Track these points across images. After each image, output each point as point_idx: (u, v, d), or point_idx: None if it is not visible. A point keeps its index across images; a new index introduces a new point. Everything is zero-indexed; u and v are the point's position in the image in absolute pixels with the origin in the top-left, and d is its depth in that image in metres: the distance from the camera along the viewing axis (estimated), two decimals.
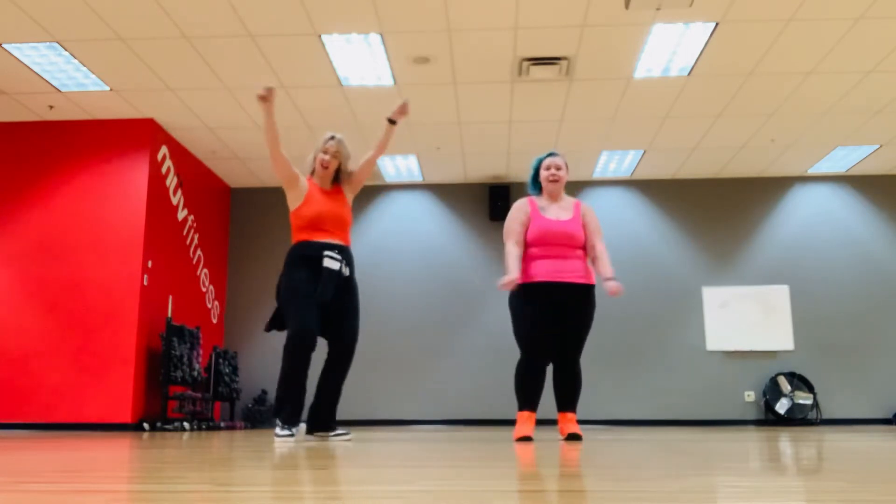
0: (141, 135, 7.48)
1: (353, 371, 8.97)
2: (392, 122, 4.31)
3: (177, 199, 8.05)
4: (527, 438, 3.95)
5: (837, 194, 9.23)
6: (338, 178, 4.29)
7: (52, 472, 1.84)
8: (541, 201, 4.34)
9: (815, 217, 9.18)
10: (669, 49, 6.15)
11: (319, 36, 5.91)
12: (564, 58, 6.28)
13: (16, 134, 7.53)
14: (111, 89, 6.83)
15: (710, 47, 6.12)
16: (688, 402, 8.82)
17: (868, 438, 4.05)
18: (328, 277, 4.06)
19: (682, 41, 6.02)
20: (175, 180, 8.00)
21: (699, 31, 5.87)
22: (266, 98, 3.95)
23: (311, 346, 4.00)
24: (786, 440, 3.85)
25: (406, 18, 5.66)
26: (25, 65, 6.31)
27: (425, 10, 5.55)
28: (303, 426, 4.31)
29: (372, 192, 9.45)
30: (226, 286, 9.37)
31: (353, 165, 4.35)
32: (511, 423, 8.70)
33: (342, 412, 8.71)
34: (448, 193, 9.43)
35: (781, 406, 8.53)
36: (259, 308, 9.27)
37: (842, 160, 8.76)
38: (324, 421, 4.18)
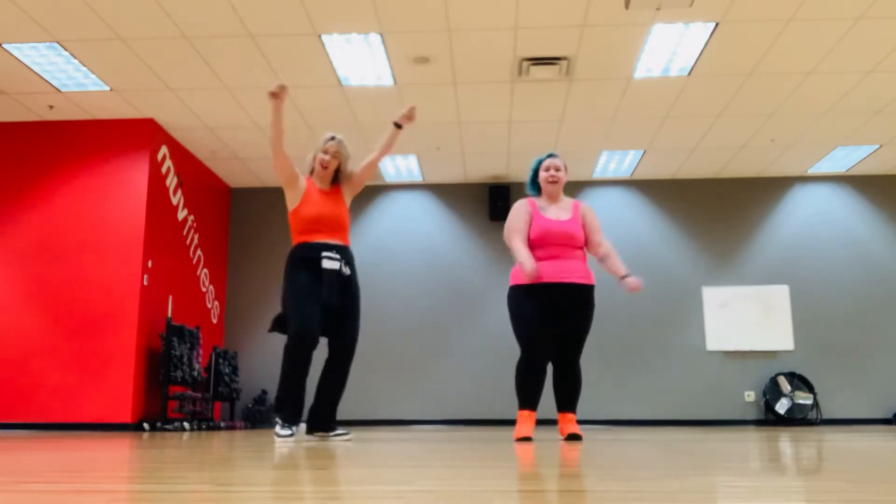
0: (141, 135, 7.48)
1: (353, 371, 8.97)
2: (398, 126, 4.32)
3: (177, 199, 8.05)
4: (527, 439, 3.95)
5: (837, 194, 9.23)
6: (337, 178, 4.30)
7: (52, 472, 1.84)
8: (540, 202, 4.35)
9: (815, 217, 9.18)
10: (669, 49, 6.15)
11: (319, 36, 5.91)
12: (564, 58, 6.28)
13: (16, 134, 7.53)
14: (111, 89, 6.83)
15: (710, 47, 6.12)
16: (688, 402, 8.82)
17: (868, 438, 4.05)
18: (329, 278, 4.06)
19: (682, 41, 6.02)
20: (175, 180, 8.00)
21: (699, 31, 5.87)
22: (278, 95, 3.95)
23: (312, 346, 4.01)
24: (786, 440, 3.85)
25: (406, 18, 5.66)
26: (25, 65, 6.31)
27: (425, 10, 5.55)
28: (303, 426, 4.31)
29: (372, 192, 9.45)
30: (226, 286, 9.37)
31: (352, 166, 4.36)
32: (511, 423, 8.70)
33: (342, 412, 8.71)
34: (448, 193, 9.43)
35: (781, 406, 8.53)
36: (259, 308, 9.27)
37: (842, 160, 8.76)
38: (324, 421, 4.18)
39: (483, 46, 6.08)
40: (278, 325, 4.16)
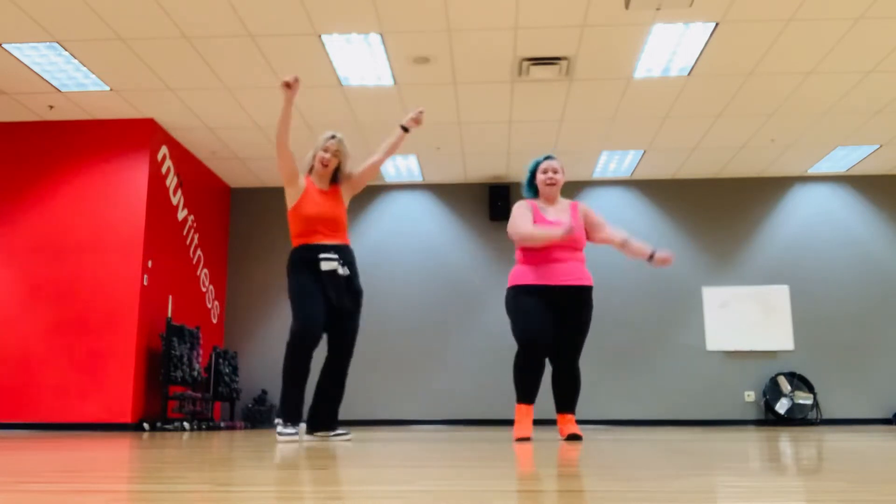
0: (141, 135, 7.48)
1: (354, 371, 8.97)
2: (405, 129, 4.32)
3: (177, 199, 8.05)
4: (526, 439, 3.95)
5: (837, 194, 9.23)
6: (336, 177, 4.30)
7: (52, 472, 1.84)
8: (539, 204, 4.35)
9: (815, 217, 9.18)
10: (669, 49, 6.15)
11: (319, 36, 5.91)
12: (564, 58, 6.28)
13: (16, 134, 7.53)
14: (111, 89, 6.83)
15: (710, 47, 6.12)
16: (688, 402, 8.82)
17: (868, 438, 4.05)
18: (330, 280, 4.07)
19: (682, 41, 6.02)
20: (175, 180, 8.00)
21: (699, 31, 5.87)
22: (291, 85, 3.95)
23: (314, 344, 4.02)
24: (786, 440, 3.85)
25: (406, 18, 5.66)
26: (25, 65, 6.31)
27: (425, 10, 5.55)
28: (303, 426, 4.31)
29: (372, 192, 9.45)
30: (226, 286, 9.37)
31: (351, 166, 4.36)
32: (511, 423, 8.70)
33: (342, 412, 8.70)
34: (448, 193, 9.43)
35: (781, 406, 8.52)
36: (259, 308, 9.27)
37: (842, 160, 8.76)
38: (325, 421, 4.18)
39: (483, 46, 6.08)
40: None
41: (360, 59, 6.29)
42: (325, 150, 4.21)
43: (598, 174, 9.21)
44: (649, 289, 9.09)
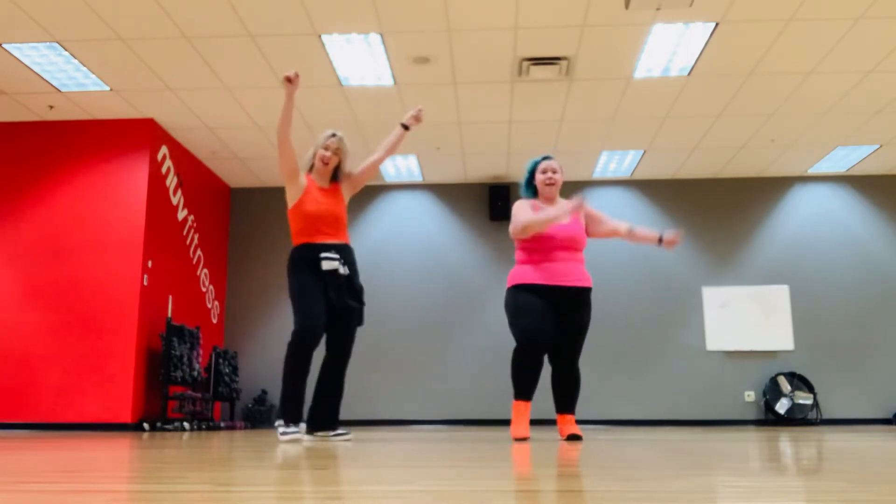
0: (141, 135, 7.48)
1: (354, 371, 8.97)
2: (406, 127, 4.33)
3: (177, 199, 8.05)
4: (524, 440, 3.95)
5: (837, 194, 9.23)
6: (336, 176, 4.30)
7: (52, 472, 1.84)
8: (539, 203, 4.35)
9: (815, 217, 9.18)
10: (669, 49, 6.15)
11: (319, 36, 5.91)
12: (564, 58, 6.28)
13: (16, 134, 7.53)
14: (111, 89, 6.83)
15: (710, 47, 6.12)
16: (688, 402, 8.82)
17: (868, 438, 4.05)
18: (331, 280, 4.07)
19: (682, 41, 6.02)
20: (175, 180, 8.00)
21: (699, 31, 5.87)
22: (293, 80, 3.95)
23: (315, 344, 4.03)
24: (786, 440, 3.85)
25: (406, 18, 5.66)
26: (25, 65, 6.31)
27: (425, 10, 5.55)
28: (302, 425, 4.31)
29: (372, 192, 9.45)
30: (226, 286, 9.37)
31: (351, 165, 4.36)
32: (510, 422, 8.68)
33: (342, 412, 8.70)
34: (448, 193, 9.43)
35: (781, 406, 8.53)
36: (259, 308, 9.27)
37: (842, 160, 8.76)
38: (325, 420, 4.18)
39: (483, 46, 6.08)
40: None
41: (360, 59, 6.29)
42: (326, 149, 4.21)
43: (598, 174, 9.21)
44: (649, 289, 9.09)
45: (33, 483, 1.56)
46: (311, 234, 4.13)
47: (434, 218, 9.37)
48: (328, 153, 4.20)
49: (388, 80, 6.67)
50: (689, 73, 6.57)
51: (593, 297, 9.03)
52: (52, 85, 6.69)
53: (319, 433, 4.17)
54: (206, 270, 8.79)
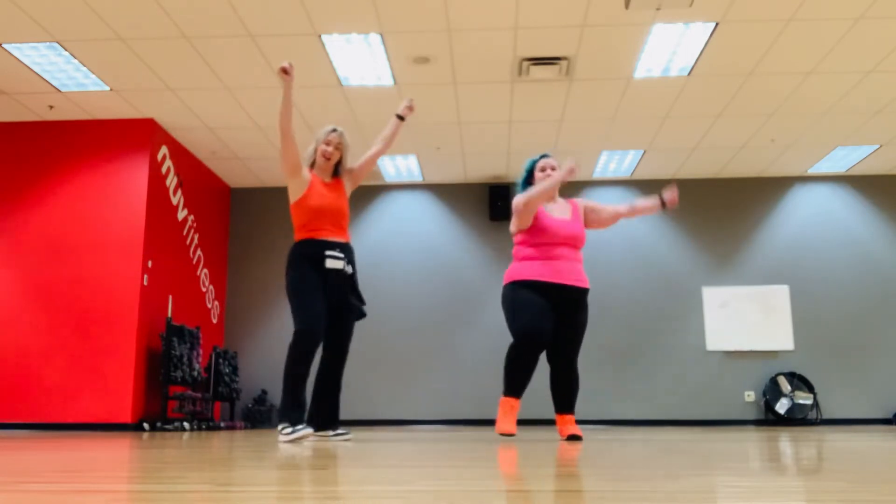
0: (141, 135, 7.48)
1: (354, 371, 8.97)
2: (401, 118, 4.34)
3: (177, 199, 8.05)
4: (510, 436, 3.95)
5: (837, 194, 9.23)
6: (337, 171, 4.30)
7: (52, 472, 1.84)
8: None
9: (815, 217, 9.19)
10: (669, 49, 6.15)
11: (319, 36, 5.91)
12: (564, 58, 6.28)
13: (16, 134, 7.53)
14: (111, 89, 6.83)
15: (710, 47, 6.12)
16: (688, 402, 8.82)
17: (868, 438, 4.05)
18: (335, 279, 4.07)
19: (682, 41, 6.02)
20: (175, 180, 8.00)
21: (699, 31, 5.87)
22: (289, 71, 3.95)
23: (318, 345, 4.01)
24: (786, 440, 3.85)
25: (406, 18, 5.66)
26: (25, 65, 6.32)
27: (425, 10, 5.55)
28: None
29: (372, 192, 9.45)
30: (226, 286, 9.37)
31: (351, 160, 4.37)
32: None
33: (342, 412, 8.71)
34: (448, 193, 9.43)
35: (781, 406, 8.53)
36: (259, 308, 9.27)
37: (842, 160, 8.76)
38: (325, 420, 4.17)
39: (483, 46, 6.08)
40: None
41: (360, 59, 6.29)
42: (327, 144, 4.21)
43: (598, 174, 9.21)
44: (649, 289, 9.09)
45: (33, 483, 1.56)
46: (315, 229, 4.11)
47: (434, 218, 9.37)
48: (329, 148, 4.20)
49: (388, 80, 6.67)
50: (689, 73, 6.57)
51: (593, 296, 9.04)
52: (52, 85, 6.69)
53: (319, 433, 4.17)
54: (206, 270, 8.79)
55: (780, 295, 8.99)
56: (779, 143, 8.24)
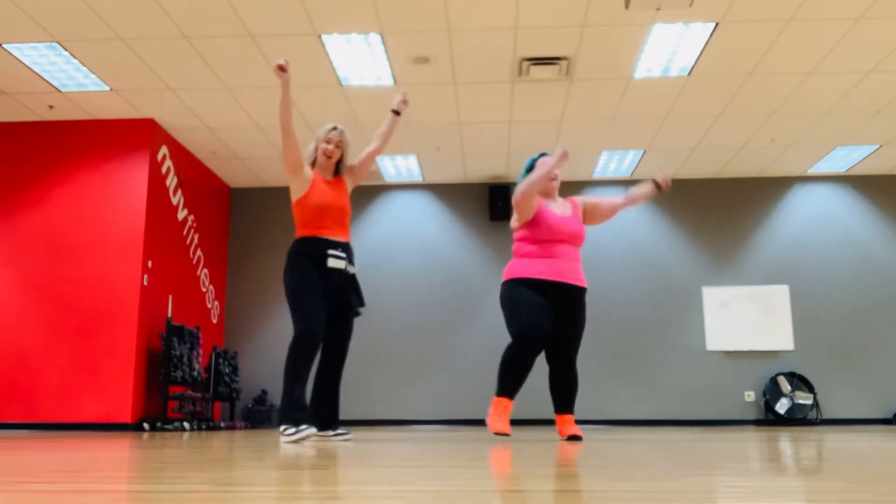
0: (141, 135, 7.48)
1: (353, 371, 8.97)
2: (397, 112, 4.34)
3: (177, 199, 8.05)
4: (504, 435, 3.95)
5: (837, 194, 9.23)
6: (338, 169, 4.30)
7: (52, 472, 1.84)
8: (539, 199, 4.35)
9: (815, 217, 9.19)
10: (669, 49, 6.15)
11: (319, 36, 5.91)
12: (564, 58, 6.28)
13: (16, 134, 7.53)
14: (111, 89, 6.83)
15: (710, 47, 6.12)
16: (688, 402, 8.82)
17: (868, 438, 4.05)
18: (336, 278, 4.06)
19: (682, 41, 6.02)
20: (175, 180, 8.00)
21: (699, 31, 5.87)
22: (285, 68, 3.94)
23: (319, 346, 4.01)
24: (786, 440, 3.85)
25: (406, 18, 5.66)
26: (25, 65, 6.32)
27: (425, 10, 5.55)
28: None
29: (372, 192, 9.45)
30: (226, 286, 9.37)
31: (350, 158, 4.37)
32: (515, 423, 8.70)
33: (342, 412, 8.71)
34: (448, 193, 9.43)
35: (781, 406, 8.53)
36: (259, 308, 9.27)
37: (842, 160, 8.76)
38: (325, 420, 4.17)
39: (483, 46, 6.08)
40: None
41: (360, 59, 6.29)
42: (328, 142, 4.21)
43: (598, 174, 9.21)
44: (649, 289, 9.09)
45: (33, 483, 1.56)
46: (318, 227, 4.10)
47: (434, 218, 9.37)
48: (330, 146, 4.20)
49: (388, 80, 6.67)
50: (689, 73, 6.57)
51: (593, 296, 9.05)
52: (52, 85, 6.69)
53: (319, 433, 4.17)
54: (206, 270, 8.79)
55: (780, 295, 8.99)
56: (779, 143, 8.24)
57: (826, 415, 8.69)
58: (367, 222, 9.39)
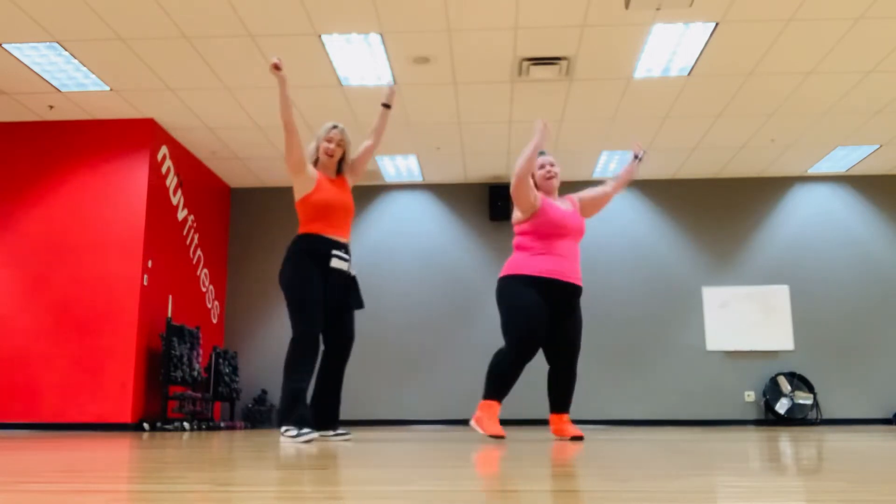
0: (141, 135, 7.48)
1: (353, 371, 8.97)
2: (387, 106, 4.34)
3: (177, 199, 8.05)
4: (500, 438, 3.94)
5: (837, 194, 9.23)
6: (340, 168, 4.30)
7: (52, 472, 1.84)
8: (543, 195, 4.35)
9: (815, 217, 9.18)
10: (669, 49, 6.15)
11: (319, 36, 5.91)
12: (564, 58, 6.28)
13: (16, 134, 7.53)
14: (111, 89, 6.83)
15: (710, 47, 6.12)
16: (688, 402, 8.82)
17: (868, 438, 4.05)
18: (337, 278, 4.06)
19: (682, 41, 6.02)
20: (175, 180, 8.00)
21: (699, 31, 5.87)
22: (279, 66, 3.93)
23: (319, 347, 4.00)
24: (786, 440, 3.85)
25: (406, 18, 5.66)
26: (25, 65, 6.32)
27: (425, 10, 5.55)
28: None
29: (372, 192, 9.45)
30: (226, 286, 9.37)
31: (352, 155, 4.37)
32: (511, 423, 8.70)
33: (342, 412, 8.70)
34: (448, 193, 9.43)
35: (781, 406, 8.52)
36: (259, 308, 9.27)
37: (842, 160, 8.76)
38: (326, 421, 4.16)
39: (483, 46, 6.08)
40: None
41: (360, 59, 6.29)
42: (329, 141, 4.20)
43: (598, 174, 9.21)
44: (649, 289, 9.09)
45: (33, 483, 1.56)
46: (322, 226, 4.08)
47: (434, 218, 9.37)
48: (332, 145, 4.20)
49: (388, 80, 6.67)
50: (689, 73, 6.57)
51: (594, 296, 9.05)
52: (52, 85, 6.69)
53: (320, 433, 4.17)
54: (206, 270, 8.79)
55: (780, 295, 8.99)
56: (779, 143, 8.24)
57: (826, 415, 8.69)
58: (367, 222, 9.39)
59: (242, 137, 7.98)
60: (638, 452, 2.63)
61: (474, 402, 8.85)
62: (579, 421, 8.71)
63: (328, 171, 4.24)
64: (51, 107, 7.18)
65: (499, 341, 8.94)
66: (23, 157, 7.49)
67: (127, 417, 6.94)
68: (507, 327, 4.10)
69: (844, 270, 9.03)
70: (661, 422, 8.79)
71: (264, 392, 8.92)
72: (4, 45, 6.00)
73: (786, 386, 8.61)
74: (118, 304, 7.16)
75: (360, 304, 4.22)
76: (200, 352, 7.94)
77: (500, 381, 4.06)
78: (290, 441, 3.74)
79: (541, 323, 4.07)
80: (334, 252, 4.05)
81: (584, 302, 9.00)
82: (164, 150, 7.74)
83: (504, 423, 8.65)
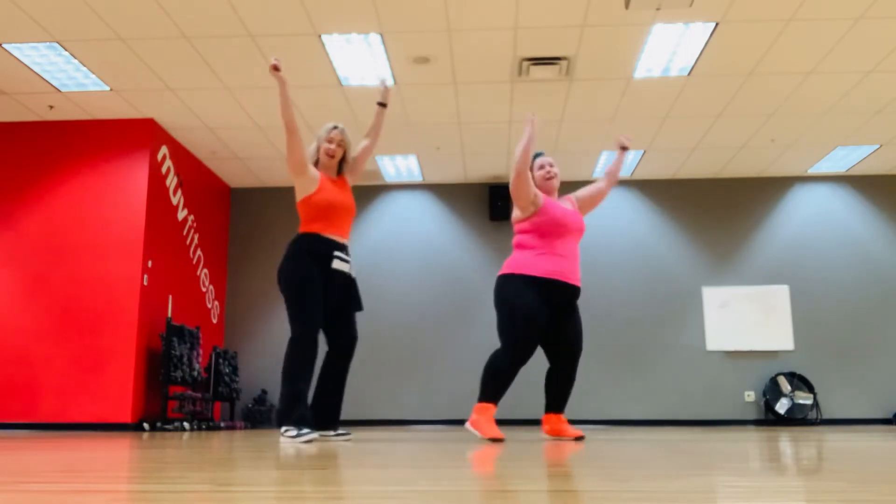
0: (141, 135, 7.48)
1: (354, 371, 8.97)
2: (383, 104, 4.35)
3: (177, 199, 8.05)
4: (500, 440, 3.95)
5: (837, 194, 9.23)
6: (340, 168, 4.30)
7: (52, 472, 1.84)
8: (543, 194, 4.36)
9: (815, 217, 9.18)
10: (669, 49, 6.15)
11: (319, 36, 5.91)
12: (564, 58, 6.28)
13: (16, 134, 7.53)
14: (111, 89, 6.83)
15: (710, 47, 6.12)
16: (688, 402, 8.82)
17: (868, 438, 4.05)
18: (338, 279, 4.06)
19: (682, 41, 6.02)
20: (175, 180, 8.00)
21: (699, 31, 5.87)
22: (278, 67, 3.92)
23: (317, 348, 3.99)
24: (786, 440, 3.85)
25: (406, 18, 5.66)
26: (25, 65, 6.31)
27: (425, 10, 5.55)
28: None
29: (372, 192, 9.45)
30: (226, 286, 9.37)
31: (352, 154, 4.38)
32: (511, 423, 8.70)
33: (342, 412, 8.70)
34: (448, 193, 9.43)
35: (781, 406, 8.52)
36: (259, 308, 9.27)
37: (842, 160, 8.76)
38: (326, 421, 4.16)
39: (483, 46, 6.08)
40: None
41: (360, 59, 6.29)
42: (330, 142, 4.20)
43: (598, 174, 9.21)
44: (649, 289, 9.08)
45: (33, 483, 1.56)
46: (324, 226, 4.08)
47: (434, 218, 9.37)
48: (333, 146, 4.20)
49: (388, 81, 6.67)
50: (689, 73, 6.57)
51: (593, 296, 9.05)
52: (52, 85, 6.69)
53: (320, 433, 4.17)
54: (206, 270, 8.79)
55: (780, 295, 8.99)
56: (779, 143, 8.24)
57: (826, 415, 8.69)
58: (367, 222, 9.39)
59: (242, 137, 7.98)
60: (638, 452, 2.63)
61: (474, 401, 8.85)
62: (579, 421, 8.71)
63: (329, 172, 4.24)
64: (51, 107, 7.18)
65: (498, 340, 8.92)
66: (23, 157, 7.49)
67: (127, 417, 6.94)
68: (505, 328, 4.07)
69: (844, 270, 9.03)
70: (660, 422, 8.79)
71: (264, 392, 8.92)
72: (4, 45, 6.00)
73: (786, 386, 8.61)
74: (118, 304, 7.16)
75: (359, 307, 4.23)
76: (200, 352, 7.94)
77: (496, 383, 4.03)
78: (289, 441, 3.73)
79: (539, 325, 4.05)
80: (336, 253, 4.05)
81: (584, 302, 9.00)
82: (164, 150, 7.74)
83: (500, 422, 8.66)
